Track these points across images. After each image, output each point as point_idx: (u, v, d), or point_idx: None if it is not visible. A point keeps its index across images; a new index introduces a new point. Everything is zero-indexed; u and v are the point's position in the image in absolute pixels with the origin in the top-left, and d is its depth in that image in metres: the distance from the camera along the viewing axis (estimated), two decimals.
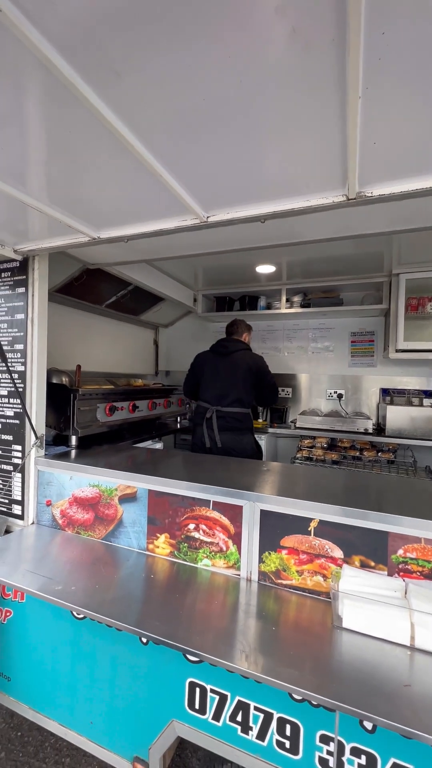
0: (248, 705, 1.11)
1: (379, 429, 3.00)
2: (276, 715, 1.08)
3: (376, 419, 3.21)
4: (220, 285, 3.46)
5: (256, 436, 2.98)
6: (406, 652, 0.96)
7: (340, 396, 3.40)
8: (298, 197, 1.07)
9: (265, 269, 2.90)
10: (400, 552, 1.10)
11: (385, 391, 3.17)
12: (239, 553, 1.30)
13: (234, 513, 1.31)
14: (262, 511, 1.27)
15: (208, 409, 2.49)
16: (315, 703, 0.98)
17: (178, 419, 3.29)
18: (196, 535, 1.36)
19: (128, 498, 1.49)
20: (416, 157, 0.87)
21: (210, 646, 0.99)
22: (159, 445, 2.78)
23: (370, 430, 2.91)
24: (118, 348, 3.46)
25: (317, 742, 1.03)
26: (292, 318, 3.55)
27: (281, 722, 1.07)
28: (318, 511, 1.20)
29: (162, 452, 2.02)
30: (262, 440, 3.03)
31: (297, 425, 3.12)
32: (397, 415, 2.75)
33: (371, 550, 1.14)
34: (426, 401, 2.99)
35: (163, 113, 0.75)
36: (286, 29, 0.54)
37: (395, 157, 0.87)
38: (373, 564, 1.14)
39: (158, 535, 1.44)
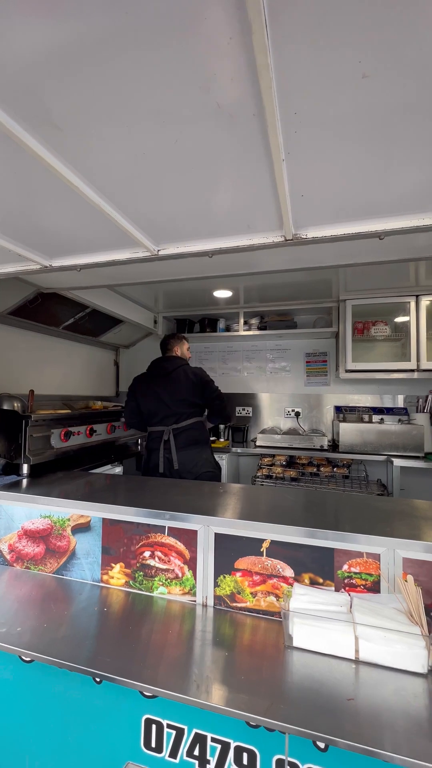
0: (205, 737, 1.09)
1: (335, 445, 3.14)
2: (233, 744, 1.07)
3: (332, 436, 3.36)
4: (180, 307, 3.53)
5: (217, 456, 3.00)
6: (351, 666, 1.00)
7: (297, 414, 3.53)
8: (242, 236, 1.15)
9: (222, 294, 3.01)
10: (345, 567, 1.16)
11: (338, 409, 3.34)
12: (195, 579, 1.30)
13: (189, 537, 1.32)
14: (216, 534, 1.29)
15: (164, 431, 2.46)
16: (268, 727, 0.99)
17: (139, 441, 3.25)
18: (151, 562, 1.35)
19: (81, 528, 1.45)
20: (339, 208, 0.98)
21: (163, 679, 0.98)
22: (118, 470, 2.73)
23: (326, 447, 3.04)
24: (77, 370, 3.39)
25: (273, 767, 1.04)
26: (250, 339, 3.67)
27: (238, 751, 1.06)
28: (269, 532, 1.24)
29: (119, 478, 1.99)
30: (223, 459, 3.06)
31: (257, 444, 3.19)
32: (349, 432, 2.90)
33: (319, 567, 1.19)
34: (375, 418, 3.18)
35: (106, 162, 0.79)
36: (212, 104, 0.61)
37: (321, 208, 0.98)
38: (321, 581, 1.18)
39: (113, 565, 1.40)
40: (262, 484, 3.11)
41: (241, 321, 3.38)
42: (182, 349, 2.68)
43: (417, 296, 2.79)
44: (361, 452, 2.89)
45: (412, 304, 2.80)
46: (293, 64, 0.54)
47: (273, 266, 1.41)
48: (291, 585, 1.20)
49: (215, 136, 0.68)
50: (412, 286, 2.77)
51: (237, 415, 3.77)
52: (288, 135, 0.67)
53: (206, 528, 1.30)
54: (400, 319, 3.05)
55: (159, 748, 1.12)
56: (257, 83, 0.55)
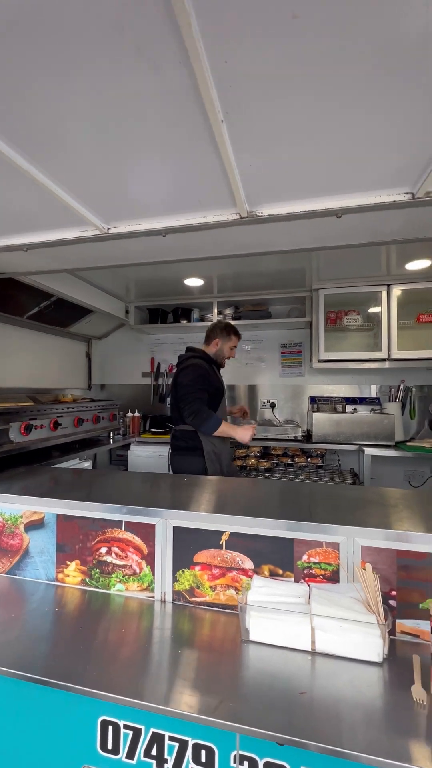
0: (163, 736, 1.05)
1: (309, 436, 3.14)
2: (191, 742, 1.03)
3: (307, 427, 3.36)
4: (152, 297, 3.44)
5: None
6: (307, 658, 0.98)
7: (273, 405, 3.51)
8: (195, 213, 1.09)
9: (194, 282, 2.94)
10: (305, 558, 1.14)
11: (312, 399, 3.34)
12: (153, 574, 1.25)
13: (147, 532, 1.26)
14: (174, 527, 1.24)
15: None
16: (217, 726, 0.95)
17: (111, 435, 3.16)
18: (108, 559, 1.29)
19: (35, 525, 1.37)
20: (293, 182, 0.93)
21: (117, 683, 0.93)
22: (87, 464, 2.64)
23: (299, 437, 3.03)
24: (46, 362, 3.26)
25: (232, 763, 1.00)
26: None
27: (196, 749, 1.03)
28: (228, 524, 1.19)
29: (82, 472, 1.91)
30: None
31: None
32: (322, 422, 2.90)
33: (279, 558, 1.16)
34: (349, 408, 3.20)
35: (30, 125, 0.71)
36: (131, 48, 0.54)
37: (274, 181, 0.92)
38: (281, 572, 1.15)
39: (68, 562, 1.34)
40: (238, 476, 3.08)
41: (215, 311, 3.32)
42: (219, 347, 2.34)
43: (388, 285, 2.79)
44: (333, 442, 2.90)
45: (384, 294, 2.80)
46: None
47: (231, 249, 1.35)
48: (251, 577, 1.16)
49: (140, 88, 0.61)
50: (383, 275, 2.77)
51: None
52: (223, 90, 0.61)
53: (164, 521, 1.25)
54: (372, 309, 3.06)
55: (116, 750, 1.08)
56: (176, 22, 0.48)
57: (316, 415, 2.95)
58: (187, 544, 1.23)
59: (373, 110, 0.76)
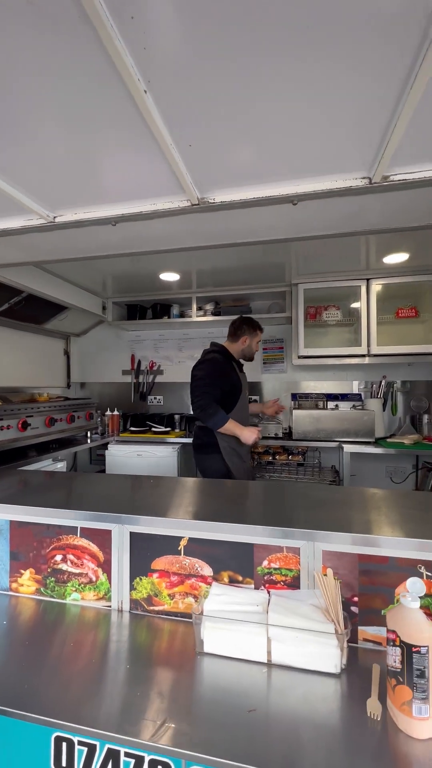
0: (118, 752, 0.99)
1: (290, 433, 3.10)
2: (147, 758, 0.98)
3: (289, 423, 3.32)
4: (130, 292, 3.35)
5: (170, 447, 2.90)
6: (262, 671, 0.93)
7: (255, 402, 3.46)
8: (144, 201, 1.02)
9: (170, 277, 2.86)
10: (265, 563, 1.08)
11: (294, 396, 3.29)
12: (110, 583, 1.19)
13: (103, 538, 1.20)
14: (131, 533, 1.18)
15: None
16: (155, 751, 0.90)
17: (88, 434, 3.08)
18: (63, 567, 1.23)
19: None
20: (246, 166, 0.87)
21: (68, 706, 0.88)
22: (61, 465, 2.56)
23: (280, 435, 2.99)
24: (21, 360, 3.16)
25: None
26: (206, 326, 3.55)
27: (152, 765, 0.97)
28: (186, 529, 1.14)
29: (47, 474, 1.84)
30: (175, 450, 2.96)
31: None
32: (303, 419, 2.85)
33: (239, 563, 1.10)
34: (330, 404, 3.16)
35: None
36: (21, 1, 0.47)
37: (222, 164, 0.86)
38: (240, 578, 1.10)
39: (22, 571, 1.27)
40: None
41: (194, 306, 3.25)
42: (247, 344, 2.30)
43: (368, 280, 2.75)
44: (314, 439, 2.86)
45: (363, 288, 2.76)
46: None
47: (189, 240, 1.28)
48: (210, 584, 1.11)
49: (41, 46, 0.54)
50: (362, 269, 2.72)
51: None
52: (137, 54, 0.54)
53: (121, 527, 1.18)
54: (352, 305, 3.02)
55: (70, 767, 1.02)
56: None
57: (297, 412, 2.91)
58: (145, 550, 1.17)
59: (323, 88, 0.71)
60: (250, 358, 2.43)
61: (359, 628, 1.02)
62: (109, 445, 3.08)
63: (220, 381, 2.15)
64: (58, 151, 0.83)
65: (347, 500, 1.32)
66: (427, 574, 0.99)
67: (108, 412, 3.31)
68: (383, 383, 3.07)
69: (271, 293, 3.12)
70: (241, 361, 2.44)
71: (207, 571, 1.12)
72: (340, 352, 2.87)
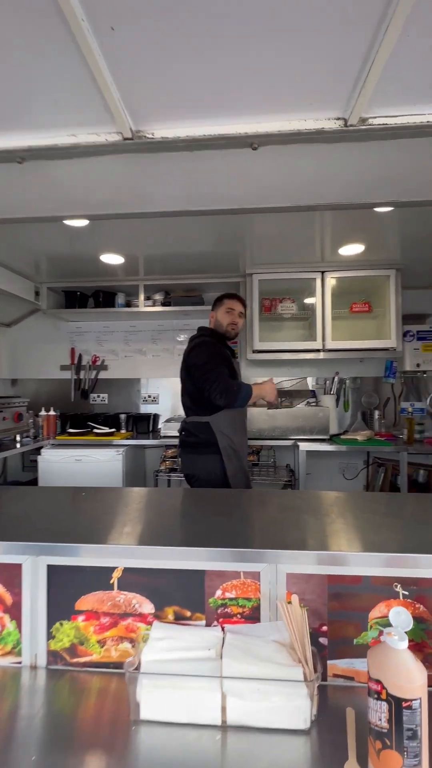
0: None
1: None
2: None
3: None
4: (68, 277, 2.99)
5: (114, 450, 2.62)
6: (215, 737, 0.73)
7: None
8: (59, 130, 0.76)
9: (112, 259, 2.58)
10: (219, 593, 0.89)
11: None
12: (20, 632, 0.92)
13: (10, 575, 0.93)
14: (49, 566, 0.92)
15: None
16: None
17: (17, 438, 2.68)
18: None
19: None
20: (193, 90, 0.65)
21: None
22: None
23: None
24: None
25: None
26: (155, 318, 3.30)
27: None
28: (122, 557, 0.91)
29: None
30: (120, 453, 2.67)
31: (161, 434, 2.86)
32: (256, 417, 2.72)
33: (186, 596, 0.90)
34: (284, 401, 3.06)
35: None
36: None
37: (162, 87, 0.64)
38: (189, 614, 0.90)
39: None
40: (169, 478, 2.81)
41: (141, 296, 2.98)
42: (215, 319, 2.06)
43: (323, 272, 2.68)
44: (269, 437, 2.74)
45: (318, 281, 2.69)
46: None
47: (119, 202, 1.02)
48: (151, 624, 0.89)
49: None
50: (317, 261, 2.65)
51: (142, 402, 3.39)
52: None
53: (34, 559, 0.92)
54: (307, 299, 2.95)
55: None
56: None
57: (251, 410, 2.77)
58: (67, 587, 0.92)
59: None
60: (231, 335, 2.08)
61: (329, 663, 0.86)
62: (42, 450, 2.71)
63: (222, 360, 1.91)
64: None
65: (310, 508, 1.17)
66: (403, 593, 0.86)
67: (43, 412, 2.93)
68: (336, 379, 3.03)
69: (225, 284, 2.95)
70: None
71: (147, 608, 0.90)
72: (295, 346, 2.78)
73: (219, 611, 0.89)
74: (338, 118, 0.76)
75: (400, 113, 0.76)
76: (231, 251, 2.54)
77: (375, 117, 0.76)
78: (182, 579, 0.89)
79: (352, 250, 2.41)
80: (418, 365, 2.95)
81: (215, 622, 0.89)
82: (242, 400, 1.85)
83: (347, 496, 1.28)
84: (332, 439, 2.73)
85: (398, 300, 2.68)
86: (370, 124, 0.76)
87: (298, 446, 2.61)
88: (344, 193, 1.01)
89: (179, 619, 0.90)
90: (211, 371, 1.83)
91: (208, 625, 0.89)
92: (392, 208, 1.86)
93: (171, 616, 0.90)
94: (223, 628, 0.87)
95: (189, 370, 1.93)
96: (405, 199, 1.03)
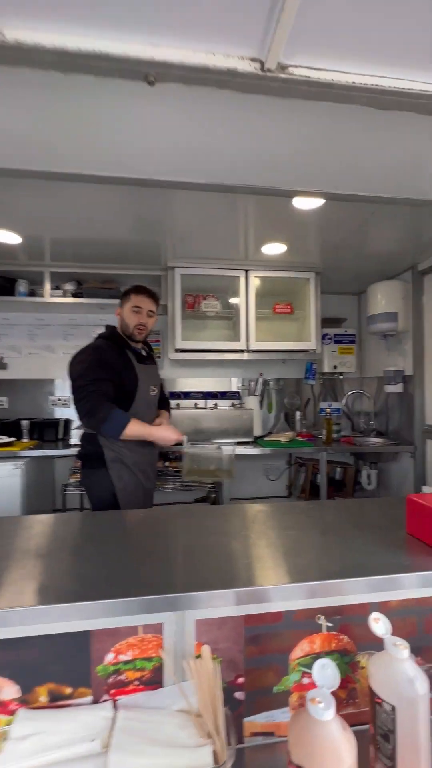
0: None
1: None
2: None
3: None
4: None
5: (12, 463, 2.23)
6: None
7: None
8: None
9: (6, 237, 2.18)
10: (110, 657, 0.69)
11: (172, 395, 2.97)
12: None
13: None
14: None
15: None
16: None
17: None
18: None
19: None
20: None
21: None
22: None
23: None
24: None
25: None
26: (67, 311, 2.93)
27: None
28: None
29: None
30: (19, 467, 2.28)
31: (71, 442, 2.53)
32: (180, 419, 2.55)
33: (67, 667, 0.68)
34: (210, 403, 2.95)
35: None
36: None
37: None
38: (69, 691, 0.68)
39: None
40: (81, 493, 2.48)
41: (47, 284, 2.60)
42: (121, 317, 1.77)
43: (246, 271, 2.62)
44: (193, 441, 2.59)
45: (242, 280, 2.62)
46: None
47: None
48: (14, 714, 0.65)
49: None
50: (242, 259, 2.58)
51: (52, 406, 2.99)
52: None
53: None
54: (231, 299, 2.87)
55: None
56: None
57: (174, 413, 2.59)
58: None
59: None
60: (138, 339, 1.76)
61: (245, 720, 0.72)
62: None
63: (106, 372, 1.59)
64: None
65: (227, 528, 1.02)
66: (327, 626, 0.75)
67: None
68: (260, 380, 3.01)
69: (145, 276, 2.72)
70: (143, 351, 1.82)
71: (8, 692, 0.67)
72: (219, 346, 2.67)
73: (111, 680, 0.69)
74: (254, 59, 0.62)
75: (323, 67, 0.65)
76: (151, 241, 2.33)
77: (296, 66, 0.64)
78: (60, 646, 0.68)
79: (274, 249, 2.38)
80: (335, 367, 3.06)
81: (105, 695, 0.69)
82: (112, 431, 1.55)
83: (270, 510, 1.17)
84: (257, 441, 2.69)
85: (318, 303, 2.74)
86: (290, 74, 0.63)
87: (222, 450, 2.50)
88: (267, 176, 0.88)
89: (56, 699, 0.68)
90: (83, 387, 1.55)
91: (96, 701, 0.69)
92: (314, 207, 1.84)
93: (44, 698, 0.68)
94: (114, 704, 0.68)
95: (70, 378, 1.64)
96: (333, 191, 0.94)
